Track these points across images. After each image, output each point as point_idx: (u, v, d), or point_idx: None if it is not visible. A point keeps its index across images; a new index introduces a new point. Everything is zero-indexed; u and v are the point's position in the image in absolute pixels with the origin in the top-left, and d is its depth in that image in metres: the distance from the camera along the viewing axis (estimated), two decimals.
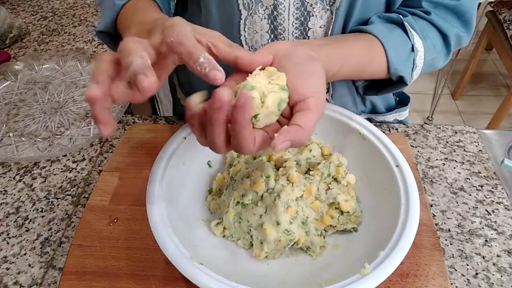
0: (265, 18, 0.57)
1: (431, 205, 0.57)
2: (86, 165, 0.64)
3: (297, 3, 0.55)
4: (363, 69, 0.55)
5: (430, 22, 0.58)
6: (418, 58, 0.56)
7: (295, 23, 0.57)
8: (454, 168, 0.62)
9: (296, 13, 0.56)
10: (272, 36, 0.59)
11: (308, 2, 0.55)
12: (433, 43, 0.58)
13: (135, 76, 0.33)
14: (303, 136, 0.37)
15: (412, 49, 0.56)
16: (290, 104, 0.41)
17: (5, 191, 0.60)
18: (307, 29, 0.57)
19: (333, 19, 0.55)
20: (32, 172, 0.63)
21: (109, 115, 0.36)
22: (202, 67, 0.35)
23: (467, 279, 0.49)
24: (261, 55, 0.42)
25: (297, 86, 0.40)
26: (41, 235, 0.54)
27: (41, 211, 0.57)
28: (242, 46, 0.60)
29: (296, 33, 0.58)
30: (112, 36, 0.59)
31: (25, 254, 0.52)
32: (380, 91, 0.62)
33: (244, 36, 0.59)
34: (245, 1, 0.55)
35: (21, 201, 0.59)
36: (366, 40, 0.55)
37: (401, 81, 0.58)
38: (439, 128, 0.69)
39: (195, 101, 0.37)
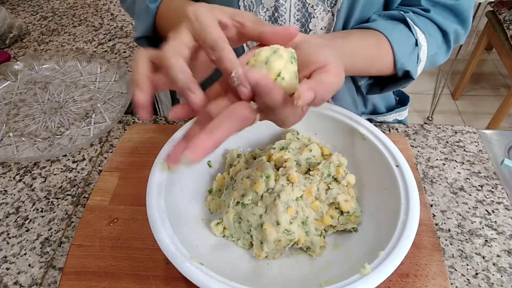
0: (266, 19, 0.57)
1: (431, 205, 0.57)
2: (86, 165, 0.64)
3: (298, 5, 0.55)
4: (372, 64, 0.55)
5: (430, 19, 0.58)
6: (421, 52, 0.57)
7: (296, 25, 0.57)
8: (454, 168, 0.62)
9: (297, 15, 0.56)
10: None
11: (309, 4, 0.55)
12: (434, 38, 0.58)
13: (183, 92, 0.36)
14: (325, 88, 0.36)
15: (416, 44, 0.56)
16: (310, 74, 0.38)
17: (5, 191, 0.60)
18: (308, 30, 0.57)
19: (334, 20, 0.55)
20: (32, 172, 0.63)
21: (149, 101, 0.38)
22: (232, 81, 0.36)
23: (467, 279, 0.49)
24: (284, 28, 0.39)
25: (316, 56, 0.38)
26: (41, 235, 0.54)
27: (41, 211, 0.57)
28: (243, 48, 0.60)
29: None
30: (150, 40, 0.62)
31: (25, 254, 0.52)
32: (385, 88, 0.62)
33: None
34: (246, 3, 0.55)
35: (21, 201, 0.59)
36: (373, 36, 0.55)
37: (406, 76, 0.58)
38: (439, 128, 0.69)
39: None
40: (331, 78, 0.37)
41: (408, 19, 0.56)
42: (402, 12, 0.57)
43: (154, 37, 0.62)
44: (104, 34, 0.99)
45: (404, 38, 0.55)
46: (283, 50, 0.37)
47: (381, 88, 0.62)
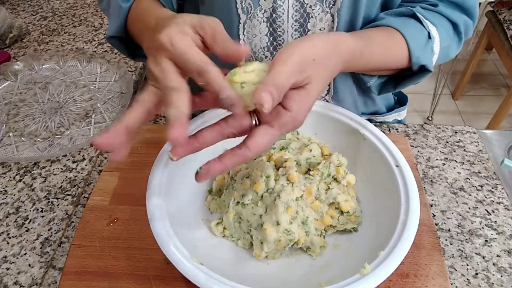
0: (264, 21, 0.57)
1: (431, 205, 0.57)
2: (86, 165, 0.64)
3: (296, 5, 0.55)
4: (387, 55, 0.54)
5: (438, 12, 0.58)
6: (435, 45, 0.56)
7: (295, 25, 0.57)
8: (454, 168, 0.62)
9: (296, 15, 0.56)
10: (271, 38, 0.58)
11: (307, 4, 0.55)
12: (446, 30, 0.58)
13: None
14: (278, 79, 0.37)
15: (429, 37, 0.56)
16: None
17: (5, 191, 0.60)
18: (307, 30, 0.57)
19: (334, 21, 0.55)
20: (32, 172, 0.63)
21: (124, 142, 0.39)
22: (223, 102, 0.37)
23: (467, 279, 0.49)
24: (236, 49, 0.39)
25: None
26: (41, 235, 0.54)
27: (41, 211, 0.57)
28: None
29: (295, 35, 0.58)
30: (122, 40, 0.61)
31: (25, 254, 0.52)
32: (399, 85, 0.60)
33: (243, 39, 0.59)
34: (243, 5, 0.55)
35: (21, 201, 0.59)
36: (385, 30, 0.54)
37: (422, 70, 0.57)
38: (439, 128, 0.69)
39: None
40: (271, 73, 0.37)
41: (417, 13, 0.56)
42: (409, 7, 0.57)
43: (126, 39, 0.61)
44: (104, 34, 0.99)
45: (417, 32, 0.55)
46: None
47: (395, 85, 0.61)
